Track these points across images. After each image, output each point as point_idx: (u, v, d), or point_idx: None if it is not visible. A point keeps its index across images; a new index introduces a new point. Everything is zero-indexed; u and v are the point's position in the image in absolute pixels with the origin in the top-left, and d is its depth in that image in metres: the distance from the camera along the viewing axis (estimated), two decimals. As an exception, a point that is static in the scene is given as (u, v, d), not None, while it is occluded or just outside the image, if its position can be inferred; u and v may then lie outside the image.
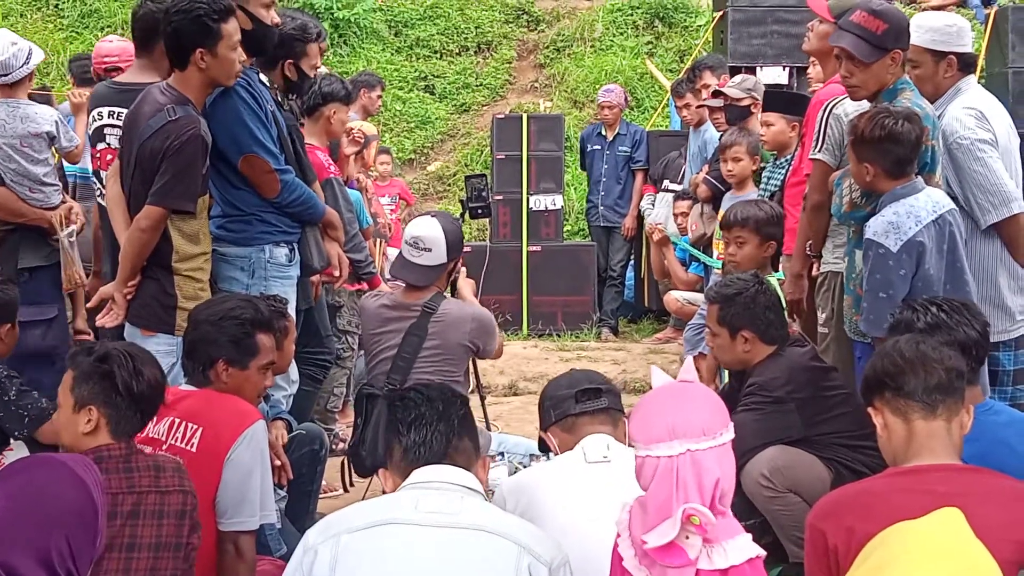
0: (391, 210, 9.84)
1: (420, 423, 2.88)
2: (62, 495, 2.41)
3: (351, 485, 5.32)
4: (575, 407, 3.49)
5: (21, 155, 5.56)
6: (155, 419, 3.53)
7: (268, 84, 4.95)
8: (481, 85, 14.59)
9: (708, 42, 11.20)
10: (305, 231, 4.86)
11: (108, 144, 4.90)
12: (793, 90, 9.08)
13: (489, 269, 9.69)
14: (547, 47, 14.95)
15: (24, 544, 2.32)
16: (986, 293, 4.61)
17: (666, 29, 14.89)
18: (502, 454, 5.57)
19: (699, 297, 7.41)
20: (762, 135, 6.66)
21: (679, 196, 8.58)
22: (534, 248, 10.00)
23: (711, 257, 7.31)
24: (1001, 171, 4.65)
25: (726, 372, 5.46)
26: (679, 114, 9.61)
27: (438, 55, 14.88)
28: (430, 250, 5.02)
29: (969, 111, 4.70)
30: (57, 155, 6.11)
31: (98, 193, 5.03)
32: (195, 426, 3.69)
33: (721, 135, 7.50)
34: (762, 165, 6.88)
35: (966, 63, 4.87)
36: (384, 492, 2.99)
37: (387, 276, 7.03)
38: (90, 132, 5.03)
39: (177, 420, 3.69)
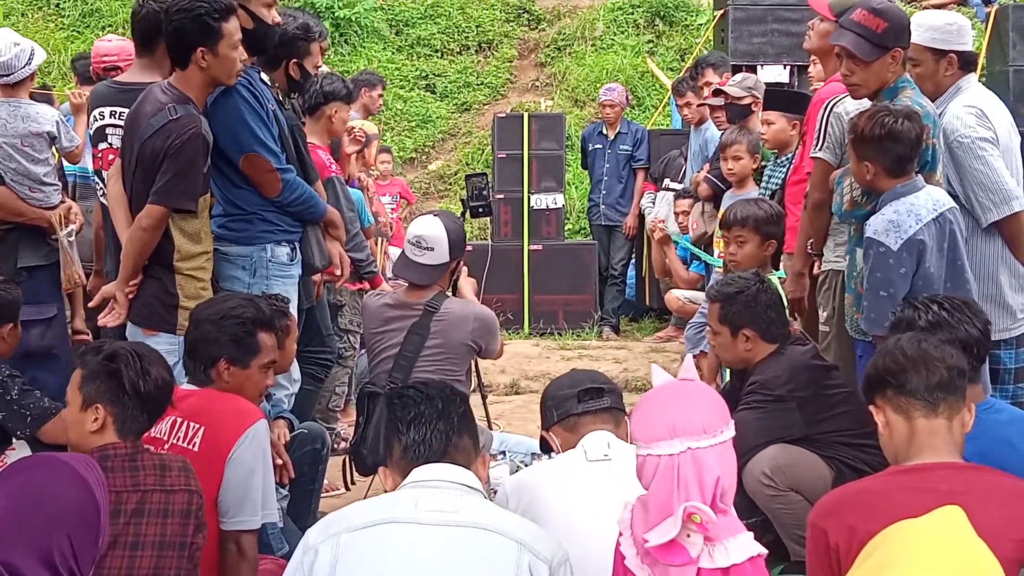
0: (392, 209, 9.84)
1: (419, 421, 2.88)
2: (63, 494, 2.41)
3: (352, 483, 5.33)
4: (577, 407, 3.50)
5: (22, 154, 5.57)
6: (157, 418, 3.53)
7: (269, 83, 4.95)
8: (482, 84, 14.59)
9: (709, 41, 11.20)
10: (307, 230, 4.86)
11: (110, 144, 4.89)
12: (794, 88, 9.09)
13: (490, 268, 9.69)
14: (548, 46, 14.95)
15: (25, 543, 2.32)
16: (987, 291, 4.61)
17: (667, 28, 14.89)
18: (504, 453, 5.56)
19: (700, 296, 7.41)
20: (763, 134, 6.66)
21: (680, 195, 8.58)
22: (535, 247, 10.00)
23: (712, 256, 7.30)
24: (1002, 169, 4.66)
25: (727, 371, 5.46)
26: (680, 113, 9.61)
27: (439, 54, 14.88)
28: (433, 249, 5.02)
29: (970, 109, 4.70)
30: (57, 155, 6.12)
31: (100, 193, 5.03)
32: (197, 425, 3.70)
33: (722, 134, 7.50)
34: (763, 164, 6.88)
35: (967, 61, 4.87)
36: (385, 491, 3.00)
37: (388, 275, 7.04)
38: (91, 132, 5.03)
39: (179, 419, 3.70)
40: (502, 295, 9.64)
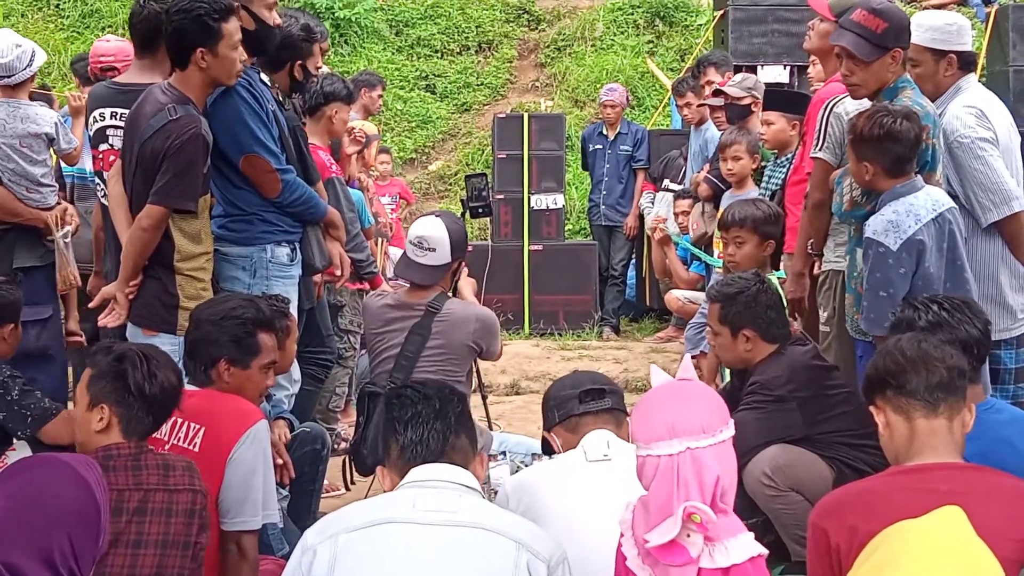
0: (391, 209, 9.84)
1: (417, 421, 2.88)
2: (63, 495, 2.41)
3: (352, 484, 5.33)
4: (579, 407, 3.50)
5: (20, 155, 5.57)
6: (158, 418, 3.53)
7: (269, 83, 4.95)
8: (482, 84, 14.60)
9: (709, 41, 11.20)
10: (307, 230, 4.87)
11: (111, 145, 4.89)
12: (794, 89, 9.09)
13: (491, 268, 9.69)
14: (548, 46, 14.95)
15: (26, 543, 2.32)
16: (987, 291, 4.61)
17: (667, 28, 14.89)
18: (504, 453, 5.57)
19: (700, 296, 7.41)
20: (762, 134, 6.66)
21: (679, 195, 8.59)
22: (535, 247, 10.00)
23: (712, 256, 7.31)
24: (1002, 169, 4.66)
25: (727, 371, 5.46)
26: (680, 113, 9.61)
27: (439, 54, 14.88)
28: (434, 250, 5.02)
29: (969, 109, 4.70)
30: (55, 156, 6.12)
31: (101, 193, 5.04)
32: (197, 426, 3.70)
33: (722, 134, 7.50)
34: (763, 164, 6.88)
35: (966, 61, 4.87)
36: (384, 491, 3.00)
37: (388, 276, 7.04)
38: (91, 133, 5.03)
39: (179, 420, 3.69)
40: (502, 295, 9.64)
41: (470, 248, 5.48)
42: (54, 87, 10.49)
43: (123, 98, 4.82)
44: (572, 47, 14.81)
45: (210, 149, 4.43)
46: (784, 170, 6.15)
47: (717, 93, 7.75)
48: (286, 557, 3.81)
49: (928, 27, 4.77)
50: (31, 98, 5.87)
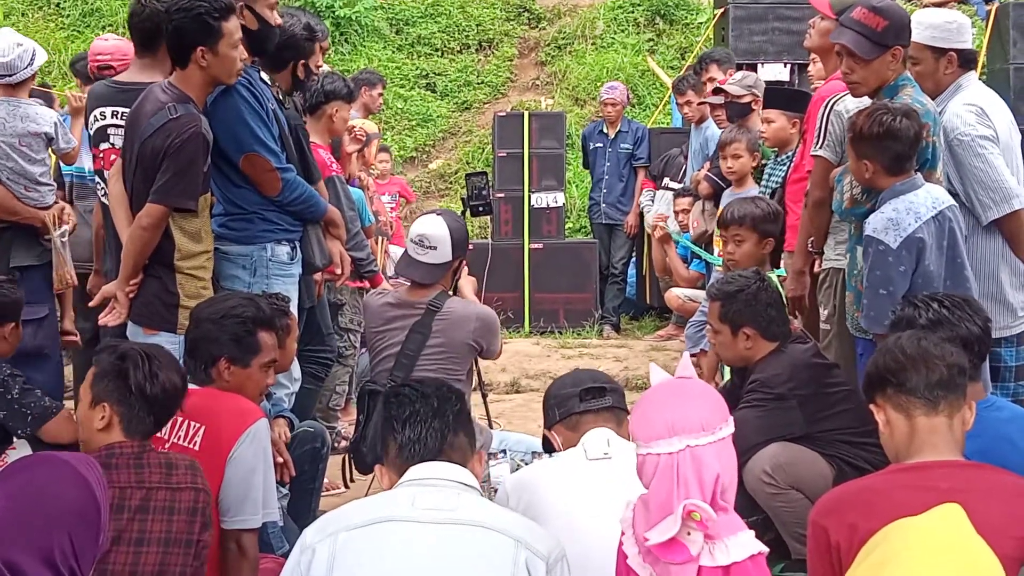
0: (391, 208, 9.83)
1: (415, 420, 2.88)
2: (63, 494, 2.41)
3: (352, 482, 5.33)
4: (579, 406, 3.50)
5: (19, 154, 5.58)
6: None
7: (269, 82, 4.95)
8: (482, 83, 14.60)
9: (709, 39, 11.19)
10: (307, 229, 4.87)
11: (112, 144, 4.90)
12: (794, 87, 9.09)
13: (491, 267, 9.69)
14: (548, 44, 14.95)
15: (26, 543, 2.32)
16: (988, 289, 4.61)
17: (667, 26, 14.89)
18: (504, 451, 5.57)
19: (700, 294, 7.41)
20: (763, 132, 6.66)
21: (679, 193, 8.59)
22: (536, 245, 10.00)
23: (712, 254, 7.31)
24: (1002, 167, 4.66)
25: (728, 369, 5.46)
26: (680, 111, 9.61)
27: (439, 53, 14.88)
28: (435, 248, 5.02)
29: (970, 107, 4.70)
30: (54, 156, 6.13)
31: (101, 192, 5.04)
32: (197, 424, 3.70)
33: (722, 132, 7.50)
34: (763, 162, 6.88)
35: (966, 59, 4.87)
36: (383, 489, 3.00)
37: (388, 274, 7.04)
38: (92, 132, 5.03)
39: (179, 418, 3.69)
40: (503, 294, 9.64)
41: (470, 247, 5.47)
42: (54, 86, 10.49)
43: (124, 97, 4.82)
44: (572, 45, 14.81)
45: (210, 148, 4.43)
46: (784, 168, 6.15)
47: (717, 91, 7.75)
48: (286, 555, 3.81)
49: (928, 25, 4.77)
50: (30, 95, 5.88)
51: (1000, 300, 4.66)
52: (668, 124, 11.50)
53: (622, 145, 10.09)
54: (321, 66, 5.60)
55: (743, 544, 2.64)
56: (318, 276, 5.18)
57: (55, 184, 5.90)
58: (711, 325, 4.79)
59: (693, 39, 14.01)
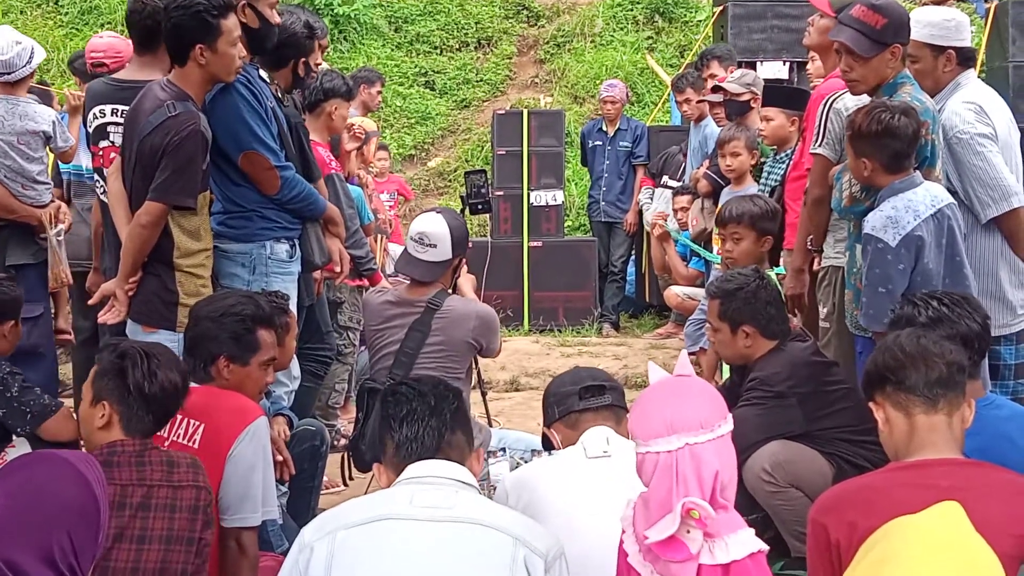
0: (390, 206, 9.83)
1: (412, 418, 2.88)
2: (62, 492, 2.41)
3: (351, 479, 5.33)
4: (579, 404, 3.51)
5: (17, 152, 5.58)
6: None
7: (268, 80, 4.95)
8: (481, 81, 14.59)
9: (708, 37, 11.19)
10: (306, 227, 4.86)
11: (111, 142, 4.90)
12: (793, 85, 9.09)
13: (490, 265, 9.68)
14: (547, 42, 14.95)
15: (25, 541, 2.33)
16: (987, 287, 4.61)
17: (666, 24, 14.89)
18: (503, 450, 5.57)
19: (700, 292, 7.41)
20: (762, 130, 6.66)
21: (678, 191, 8.59)
22: (535, 244, 10.00)
23: (711, 252, 7.30)
24: (1001, 165, 4.66)
25: (727, 367, 5.46)
26: (679, 109, 9.61)
27: (438, 51, 14.88)
28: (435, 246, 5.02)
29: (969, 105, 4.70)
30: (51, 155, 6.13)
31: (101, 190, 5.03)
32: (197, 422, 3.70)
33: (721, 130, 7.50)
34: (762, 160, 6.88)
35: (965, 57, 4.87)
36: (381, 487, 3.00)
37: (388, 272, 7.04)
38: (91, 129, 5.03)
39: (179, 416, 3.69)
40: (502, 292, 9.64)
41: (470, 245, 5.47)
42: (53, 84, 10.48)
43: (122, 94, 4.82)
44: (571, 43, 14.81)
45: (209, 145, 4.43)
46: (783, 166, 6.15)
47: (716, 89, 7.75)
48: (285, 553, 3.82)
49: (927, 23, 4.77)
50: (30, 94, 5.88)
51: (999, 298, 4.66)
52: (667, 122, 11.50)
53: (621, 143, 10.09)
54: (320, 64, 5.60)
55: (743, 542, 2.64)
56: (317, 274, 5.18)
57: (52, 183, 5.90)
58: (710, 323, 4.79)
59: (692, 37, 14.01)
